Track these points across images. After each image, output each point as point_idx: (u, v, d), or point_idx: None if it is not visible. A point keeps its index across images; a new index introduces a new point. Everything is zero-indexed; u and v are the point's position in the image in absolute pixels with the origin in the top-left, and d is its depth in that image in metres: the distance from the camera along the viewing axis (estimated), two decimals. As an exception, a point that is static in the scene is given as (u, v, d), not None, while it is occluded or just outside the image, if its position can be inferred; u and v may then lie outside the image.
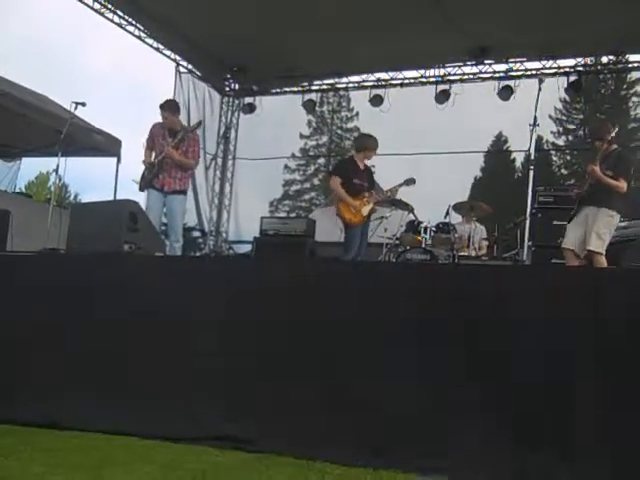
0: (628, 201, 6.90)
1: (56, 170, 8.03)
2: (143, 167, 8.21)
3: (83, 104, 8.00)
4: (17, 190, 13.65)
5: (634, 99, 30.20)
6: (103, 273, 5.65)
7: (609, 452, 3.87)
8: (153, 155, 8.22)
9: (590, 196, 7.11)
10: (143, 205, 7.58)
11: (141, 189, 8.24)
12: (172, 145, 8.05)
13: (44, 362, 5.49)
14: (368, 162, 8.92)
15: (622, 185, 6.89)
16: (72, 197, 43.33)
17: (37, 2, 54.37)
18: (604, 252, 6.81)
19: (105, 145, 11.27)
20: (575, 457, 3.90)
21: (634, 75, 19.68)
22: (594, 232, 6.89)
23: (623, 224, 7.87)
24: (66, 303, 5.59)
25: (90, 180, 53.76)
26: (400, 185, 8.65)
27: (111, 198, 10.02)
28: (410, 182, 8.71)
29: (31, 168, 43.19)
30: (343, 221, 8.48)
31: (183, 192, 8.32)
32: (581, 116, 32.69)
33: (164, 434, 4.68)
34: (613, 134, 7.11)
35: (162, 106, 8.35)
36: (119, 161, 11.31)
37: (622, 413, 3.91)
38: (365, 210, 8.40)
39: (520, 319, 4.28)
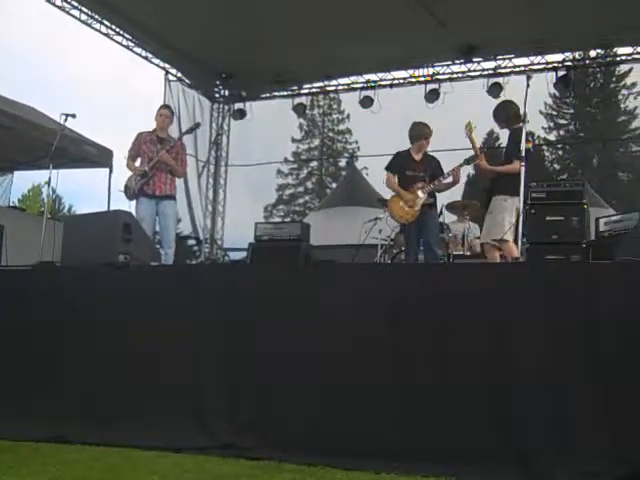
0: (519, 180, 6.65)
1: (48, 182, 8.01)
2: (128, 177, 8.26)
3: (73, 116, 7.98)
4: (11, 204, 13.61)
5: (623, 92, 30.33)
6: (99, 284, 5.65)
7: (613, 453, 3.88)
8: (138, 163, 8.25)
9: (490, 186, 7.34)
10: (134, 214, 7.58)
11: (130, 198, 8.24)
12: (166, 149, 8.13)
13: (45, 374, 5.49)
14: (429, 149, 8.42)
15: (514, 167, 6.81)
16: (66, 209, 43.33)
17: (25, 15, 54.18)
18: (510, 238, 6.93)
19: (97, 156, 11.25)
20: (574, 460, 3.90)
21: (622, 68, 19.77)
22: (493, 221, 7.11)
23: (615, 218, 7.87)
24: (64, 315, 5.59)
25: (84, 191, 53.74)
26: (461, 165, 8.01)
27: (105, 209, 10.00)
28: (471, 160, 8.04)
29: (24, 181, 43.18)
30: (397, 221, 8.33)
31: (174, 197, 8.42)
32: (572, 111, 32.81)
33: (166, 444, 4.69)
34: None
35: (166, 106, 8.60)
36: (111, 171, 11.30)
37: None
38: (418, 202, 7.94)
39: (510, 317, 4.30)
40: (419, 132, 8.34)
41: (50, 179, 7.95)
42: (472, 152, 7.70)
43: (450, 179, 8.00)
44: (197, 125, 9.93)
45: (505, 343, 4.26)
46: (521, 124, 6.84)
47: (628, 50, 11.77)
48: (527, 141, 6.87)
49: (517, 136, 6.93)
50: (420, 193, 7.92)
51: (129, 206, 8.24)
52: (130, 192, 8.18)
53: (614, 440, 3.88)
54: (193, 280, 5.53)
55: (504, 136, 7.97)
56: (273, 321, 4.94)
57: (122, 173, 8.78)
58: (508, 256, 6.97)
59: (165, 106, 8.87)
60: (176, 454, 4.57)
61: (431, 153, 8.31)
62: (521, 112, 6.85)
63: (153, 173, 8.10)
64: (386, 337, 4.57)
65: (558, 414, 4.03)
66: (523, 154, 6.59)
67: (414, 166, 8.16)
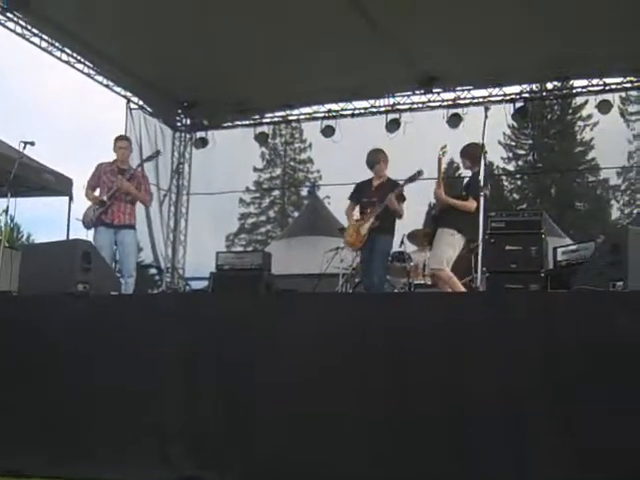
0: (474, 221, 6.74)
1: (6, 211, 7.92)
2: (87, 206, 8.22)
3: (32, 143, 7.91)
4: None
5: (579, 123, 30.97)
6: (58, 314, 5.58)
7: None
8: (97, 193, 8.21)
9: (439, 217, 7.42)
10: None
11: (87, 227, 8.19)
12: (126, 178, 8.10)
13: (8, 409, 5.38)
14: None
15: (471, 205, 6.99)
16: (25, 238, 42.67)
17: (-16, 41, 53.62)
18: (446, 267, 7.05)
19: (56, 184, 11.15)
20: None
21: (578, 100, 20.17)
22: (434, 251, 7.23)
23: (572, 247, 7.99)
24: (21, 346, 5.50)
25: (43, 220, 52.93)
26: (404, 184, 8.20)
27: (64, 238, 9.89)
28: (415, 177, 8.24)
29: (-19, 209, 42.44)
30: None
31: (133, 227, 8.37)
32: (530, 141, 33.39)
33: (129, 478, 4.62)
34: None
35: (121, 137, 8.58)
36: (71, 200, 11.20)
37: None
38: (364, 228, 8.07)
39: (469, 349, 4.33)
40: (373, 158, 8.54)
41: (8, 207, 7.87)
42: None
43: (385, 204, 8.04)
44: (157, 153, 9.91)
45: (464, 373, 4.27)
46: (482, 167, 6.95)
47: (583, 82, 12.02)
48: (486, 187, 6.96)
49: (476, 178, 7.03)
50: (370, 219, 8.02)
51: (87, 235, 8.18)
52: (87, 221, 8.13)
53: (574, 467, 3.91)
54: (154, 309, 5.49)
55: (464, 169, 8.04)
56: (237, 351, 4.91)
57: (82, 202, 8.72)
58: (442, 287, 7.12)
59: (122, 137, 8.76)
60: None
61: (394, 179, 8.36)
62: (479, 156, 6.98)
63: (112, 202, 8.06)
64: (349, 367, 4.56)
65: (517, 443, 4.05)
66: (482, 193, 6.66)
67: (370, 193, 8.32)
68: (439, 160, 7.44)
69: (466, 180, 7.45)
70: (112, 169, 8.24)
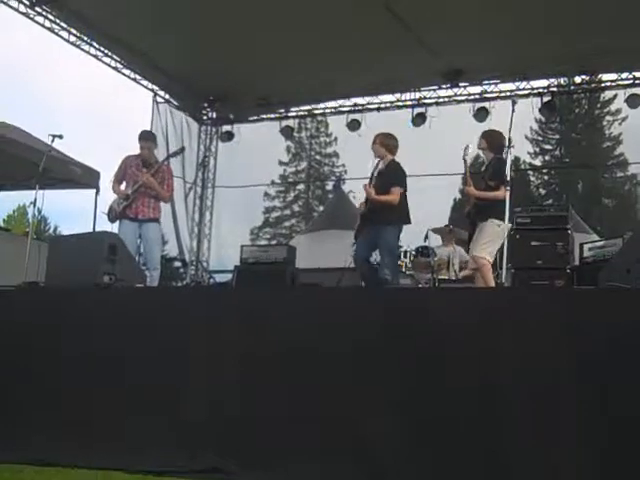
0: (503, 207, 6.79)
1: (34, 203, 7.99)
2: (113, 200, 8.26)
3: (60, 136, 7.99)
4: (-5, 224, 13.56)
5: (608, 118, 30.66)
6: (84, 305, 5.63)
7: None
8: (123, 186, 8.24)
9: (476, 212, 7.27)
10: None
11: (112, 220, 8.22)
12: (150, 173, 8.12)
13: (26, 398, 5.44)
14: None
15: (501, 193, 6.88)
16: (52, 229, 43.15)
17: (11, 35, 54.24)
18: (489, 258, 6.93)
19: (83, 177, 11.23)
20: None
21: (607, 94, 19.98)
22: (477, 242, 7.06)
23: (599, 243, 7.93)
24: (48, 336, 5.56)
25: (69, 212, 53.49)
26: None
27: (91, 230, 9.98)
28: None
29: (10, 201, 42.99)
30: None
31: (157, 220, 8.38)
32: (557, 136, 33.10)
33: (149, 467, 4.65)
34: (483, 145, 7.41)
35: (143, 137, 8.52)
36: (98, 193, 11.27)
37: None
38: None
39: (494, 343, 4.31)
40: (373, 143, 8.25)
41: (36, 199, 7.94)
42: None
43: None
44: (182, 149, 9.96)
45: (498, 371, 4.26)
46: (504, 154, 6.93)
47: (612, 77, 11.89)
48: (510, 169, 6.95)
49: (503, 164, 6.99)
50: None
51: (111, 228, 8.23)
52: (112, 214, 8.18)
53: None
54: (179, 302, 5.53)
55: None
56: (260, 344, 4.93)
57: (109, 194, 8.77)
58: (479, 274, 7.02)
59: (145, 136, 8.61)
60: (158, 477, 4.52)
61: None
62: (506, 142, 6.90)
63: (136, 197, 8.09)
64: (374, 363, 4.56)
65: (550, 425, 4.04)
66: (507, 188, 6.64)
67: (372, 178, 8.11)
68: (464, 161, 7.43)
69: (488, 170, 7.32)
70: (137, 163, 8.28)
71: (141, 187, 8.09)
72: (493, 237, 6.96)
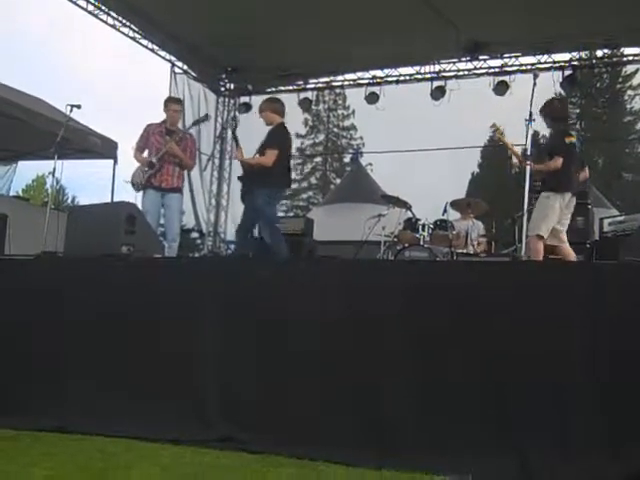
0: (568, 174, 6.75)
1: (52, 173, 7.99)
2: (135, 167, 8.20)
3: (78, 106, 7.97)
4: (14, 194, 13.62)
5: (629, 92, 30.30)
6: (102, 275, 5.66)
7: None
8: (145, 154, 8.18)
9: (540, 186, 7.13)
10: (139, 206, 7.54)
11: (137, 190, 8.16)
12: (175, 141, 8.08)
13: (44, 366, 5.49)
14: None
15: (555, 163, 6.76)
16: (70, 200, 43.29)
17: (29, 4, 54.15)
18: (543, 233, 6.71)
19: (101, 147, 11.24)
20: (575, 457, 3.91)
21: (629, 69, 19.69)
22: (532, 216, 6.86)
23: (620, 218, 7.87)
24: (66, 306, 5.60)
25: (87, 182, 53.68)
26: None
27: (108, 200, 10.01)
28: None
29: (29, 171, 43.17)
30: None
31: (180, 190, 8.35)
32: (578, 110, 32.74)
33: (166, 436, 4.69)
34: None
35: (173, 100, 8.64)
36: (116, 163, 11.27)
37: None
38: None
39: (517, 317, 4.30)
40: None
41: (54, 169, 7.95)
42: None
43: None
44: (206, 117, 9.89)
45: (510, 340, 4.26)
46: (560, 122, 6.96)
47: (635, 51, 11.74)
48: (568, 135, 6.88)
49: (556, 134, 6.93)
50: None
51: (135, 197, 8.18)
52: (137, 183, 8.08)
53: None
54: (197, 272, 5.54)
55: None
56: (272, 316, 4.94)
57: (127, 165, 8.74)
58: (529, 252, 6.77)
59: (176, 100, 8.72)
60: (176, 446, 4.57)
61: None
62: (560, 113, 6.81)
63: (161, 165, 8.04)
64: (395, 333, 4.57)
65: (561, 405, 4.04)
66: (528, 162, 6.60)
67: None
68: (500, 140, 7.36)
69: (546, 141, 7.22)
70: (160, 130, 8.17)
71: (165, 155, 8.03)
72: (542, 211, 6.79)
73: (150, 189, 8.01)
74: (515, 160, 7.26)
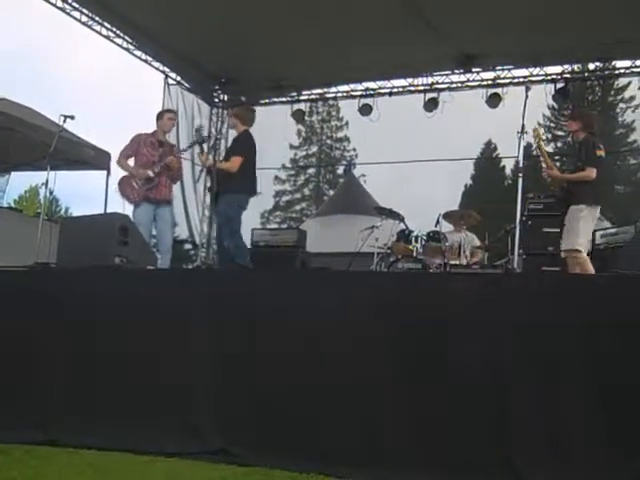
0: (600, 187, 6.82)
1: (45, 184, 7.98)
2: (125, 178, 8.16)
3: (72, 117, 7.96)
4: (7, 204, 13.59)
5: (621, 105, 30.45)
6: (95, 286, 5.64)
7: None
8: (131, 162, 8.14)
9: (565, 196, 7.10)
10: (130, 216, 7.49)
11: (132, 202, 8.00)
12: (175, 155, 8.15)
13: (37, 376, 5.47)
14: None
15: (588, 174, 6.78)
16: (63, 211, 43.20)
17: (23, 14, 54.18)
18: (583, 249, 6.73)
19: (95, 158, 11.23)
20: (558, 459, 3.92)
21: (621, 81, 19.81)
22: (566, 231, 6.84)
23: (612, 230, 7.89)
24: (59, 317, 5.58)
25: (81, 193, 53.51)
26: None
27: (101, 211, 9.98)
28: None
29: (22, 182, 43.07)
30: None
31: (171, 202, 8.45)
32: (570, 122, 32.85)
33: (159, 449, 4.67)
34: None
35: (169, 110, 8.93)
36: (109, 174, 11.26)
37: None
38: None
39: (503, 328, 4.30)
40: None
41: (47, 180, 7.93)
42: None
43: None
44: (207, 138, 9.92)
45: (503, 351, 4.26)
46: (591, 135, 6.95)
47: (627, 63, 11.79)
48: (599, 149, 6.89)
49: (590, 143, 6.94)
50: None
51: (124, 209, 8.13)
52: (131, 196, 7.98)
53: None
54: (188, 284, 5.53)
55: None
56: (268, 325, 4.93)
57: (119, 176, 8.68)
58: (577, 267, 6.71)
59: (171, 110, 8.84)
60: (168, 459, 4.55)
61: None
62: (590, 124, 6.92)
63: (159, 179, 8.03)
64: (382, 340, 4.57)
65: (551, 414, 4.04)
66: (519, 174, 6.60)
67: None
68: (539, 145, 7.38)
69: (578, 149, 7.18)
70: (152, 142, 8.17)
71: (163, 168, 8.02)
72: (576, 223, 6.79)
73: (145, 202, 7.98)
74: (545, 166, 7.25)
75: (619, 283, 4.40)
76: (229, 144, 14.09)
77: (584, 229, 6.80)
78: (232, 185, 7.46)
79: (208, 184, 13.98)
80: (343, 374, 4.59)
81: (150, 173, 7.97)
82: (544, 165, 7.28)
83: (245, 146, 7.73)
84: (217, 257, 7.78)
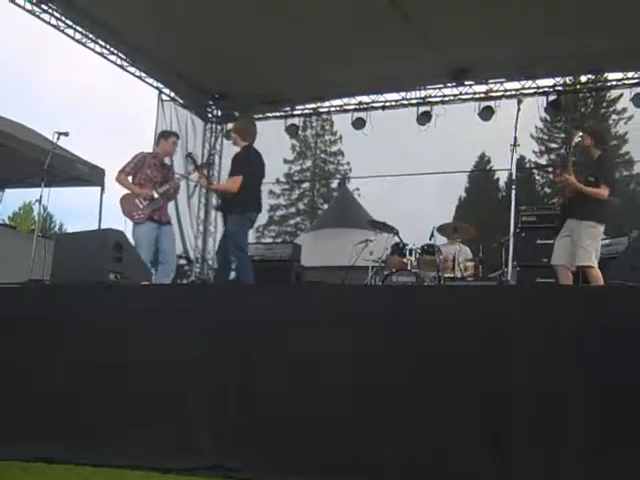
0: (608, 208, 6.79)
1: (39, 200, 7.99)
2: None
3: (66, 134, 7.98)
4: (1, 221, 13.57)
5: (614, 117, 30.59)
6: (89, 303, 5.64)
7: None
8: (130, 179, 8.07)
9: (571, 207, 7.02)
10: (128, 234, 7.44)
11: (138, 222, 7.85)
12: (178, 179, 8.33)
13: (31, 392, 5.45)
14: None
15: (603, 192, 6.76)
16: (57, 227, 43.20)
17: (16, 32, 54.31)
18: (595, 264, 6.68)
19: (89, 175, 11.24)
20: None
21: (613, 93, 19.92)
22: (580, 247, 6.74)
23: (605, 242, 7.91)
24: (53, 333, 5.56)
25: (75, 210, 53.54)
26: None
27: (96, 228, 9.97)
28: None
29: (16, 198, 43.04)
30: None
31: (170, 222, 8.43)
32: (562, 135, 33.03)
33: (154, 465, 4.66)
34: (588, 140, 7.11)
35: (173, 133, 8.84)
36: (103, 190, 11.27)
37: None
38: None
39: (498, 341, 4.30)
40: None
41: (41, 197, 7.94)
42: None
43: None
44: (211, 163, 9.89)
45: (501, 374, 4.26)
46: (606, 152, 6.93)
47: (618, 76, 11.87)
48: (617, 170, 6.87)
49: (607, 162, 6.96)
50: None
51: (125, 225, 8.08)
52: (136, 214, 7.86)
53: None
54: (183, 300, 5.53)
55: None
56: (263, 340, 4.93)
57: (114, 192, 8.67)
58: (592, 282, 6.60)
59: (176, 134, 8.83)
60: (164, 475, 4.53)
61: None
62: (603, 139, 6.91)
63: (164, 200, 8.05)
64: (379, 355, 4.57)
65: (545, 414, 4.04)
66: (513, 187, 6.61)
67: None
68: (573, 148, 7.31)
69: (593, 165, 7.09)
70: (155, 163, 8.13)
71: (168, 191, 8.04)
72: (591, 240, 6.75)
73: (149, 221, 7.92)
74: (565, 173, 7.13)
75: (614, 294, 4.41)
76: (225, 159, 14.30)
77: (595, 246, 6.76)
78: (235, 205, 7.55)
79: (214, 201, 14.13)
80: (342, 388, 4.58)
81: (155, 194, 7.95)
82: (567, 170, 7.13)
83: (243, 164, 7.69)
84: (215, 273, 7.77)
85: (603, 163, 7.07)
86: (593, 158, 7.12)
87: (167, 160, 8.48)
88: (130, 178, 8.04)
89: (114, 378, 5.26)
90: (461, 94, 12.63)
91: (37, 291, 6.21)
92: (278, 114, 14.11)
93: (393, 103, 13.23)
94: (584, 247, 6.72)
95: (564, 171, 7.11)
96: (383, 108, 13.26)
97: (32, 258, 7.40)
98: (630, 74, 11.53)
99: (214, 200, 14.23)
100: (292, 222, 37.01)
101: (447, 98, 12.76)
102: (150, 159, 8.14)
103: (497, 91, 12.36)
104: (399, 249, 9.08)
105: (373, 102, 13.26)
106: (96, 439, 5.03)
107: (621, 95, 14.62)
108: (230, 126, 14.12)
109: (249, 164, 7.75)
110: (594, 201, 6.81)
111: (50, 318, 5.61)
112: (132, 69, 12.60)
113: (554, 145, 33.32)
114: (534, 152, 31.72)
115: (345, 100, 13.57)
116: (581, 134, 7.14)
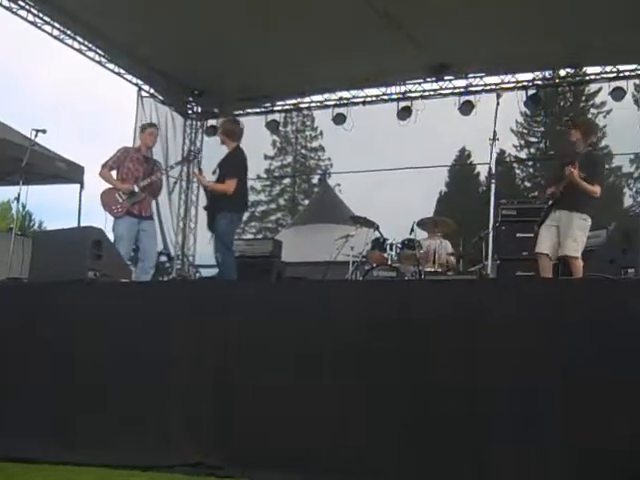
0: (596, 204, 6.92)
1: (17, 198, 7.93)
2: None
3: (44, 131, 7.94)
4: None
5: (592, 110, 30.79)
6: (68, 301, 5.60)
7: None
8: (114, 174, 8.03)
9: (564, 199, 7.04)
10: (108, 231, 7.41)
11: (117, 215, 7.86)
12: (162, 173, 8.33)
13: (8, 392, 5.42)
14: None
15: (597, 190, 6.87)
16: (36, 225, 42.89)
17: (-4, 29, 53.81)
18: (580, 256, 6.78)
19: (67, 172, 11.17)
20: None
21: (592, 87, 20.04)
22: (570, 237, 6.83)
23: (585, 234, 7.95)
24: (31, 332, 5.53)
25: (54, 207, 53.15)
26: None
27: (75, 225, 9.92)
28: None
29: (-6, 197, 42.59)
30: None
31: (152, 217, 8.42)
32: (542, 129, 33.22)
33: (135, 463, 4.64)
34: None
35: (152, 124, 8.96)
36: (82, 188, 11.21)
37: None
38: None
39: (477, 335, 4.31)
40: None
41: (20, 195, 7.89)
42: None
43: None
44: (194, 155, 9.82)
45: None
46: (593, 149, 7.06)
47: (597, 69, 11.93)
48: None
49: (599, 160, 7.13)
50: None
51: (106, 221, 8.03)
52: (115, 208, 7.84)
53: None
54: (164, 296, 5.51)
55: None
56: (243, 336, 4.92)
57: (94, 189, 8.62)
58: (575, 273, 6.69)
59: (153, 125, 8.81)
60: (145, 473, 4.52)
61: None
62: (589, 133, 6.98)
63: (145, 194, 8.00)
64: (356, 357, 4.56)
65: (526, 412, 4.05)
66: (492, 181, 6.63)
67: None
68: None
69: (583, 161, 7.04)
70: (138, 158, 8.11)
71: (149, 185, 8.00)
72: (581, 232, 6.88)
73: (128, 216, 7.87)
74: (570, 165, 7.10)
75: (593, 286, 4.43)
76: (213, 158, 14.18)
77: (582, 238, 6.90)
78: (224, 203, 7.60)
79: (193, 197, 14.10)
80: (323, 384, 4.58)
81: (135, 188, 7.91)
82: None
83: (238, 166, 7.82)
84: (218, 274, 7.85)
85: (596, 162, 7.20)
86: (577, 152, 7.18)
87: (149, 154, 8.41)
88: (114, 173, 8.00)
89: (93, 376, 5.23)
90: (441, 89, 12.64)
91: (15, 289, 6.17)
92: (258, 110, 14.06)
93: (373, 98, 13.22)
94: (574, 238, 6.83)
95: (572, 165, 7.13)
96: (364, 103, 13.25)
97: (10, 257, 7.35)
98: (608, 68, 11.58)
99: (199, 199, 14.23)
100: (273, 218, 36.98)
101: (427, 93, 12.76)
102: (133, 153, 8.16)
103: (477, 85, 12.37)
104: (380, 244, 9.08)
105: (353, 97, 13.24)
106: (76, 438, 5.01)
107: (600, 89, 14.69)
108: (211, 122, 14.14)
109: (243, 165, 7.86)
110: (587, 196, 6.93)
111: (28, 317, 5.58)
112: (111, 65, 12.51)
113: (533, 139, 33.51)
114: (514, 146, 31.93)
115: (326, 96, 13.55)
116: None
